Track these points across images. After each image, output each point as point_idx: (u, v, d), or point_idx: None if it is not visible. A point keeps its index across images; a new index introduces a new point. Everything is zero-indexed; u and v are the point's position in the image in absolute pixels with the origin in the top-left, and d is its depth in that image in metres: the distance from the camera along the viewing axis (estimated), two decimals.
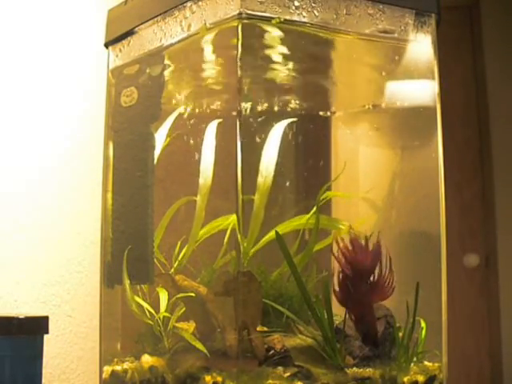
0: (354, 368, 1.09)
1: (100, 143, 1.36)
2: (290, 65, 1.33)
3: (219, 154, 1.27)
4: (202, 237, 1.28)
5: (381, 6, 1.17)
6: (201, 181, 1.26)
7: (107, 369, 1.23)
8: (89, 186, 1.57)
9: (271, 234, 1.20)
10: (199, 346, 1.09)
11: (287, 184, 1.45)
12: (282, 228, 1.24)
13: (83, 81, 1.61)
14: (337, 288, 1.11)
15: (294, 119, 1.37)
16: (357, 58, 1.32)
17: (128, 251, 1.21)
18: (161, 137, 1.29)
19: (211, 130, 1.30)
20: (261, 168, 1.26)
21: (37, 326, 1.21)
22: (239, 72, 1.06)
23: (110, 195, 1.30)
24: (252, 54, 1.15)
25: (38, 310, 1.49)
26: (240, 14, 1.05)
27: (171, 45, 1.22)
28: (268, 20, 1.09)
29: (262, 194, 1.23)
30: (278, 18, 1.08)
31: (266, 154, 1.27)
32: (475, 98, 2.95)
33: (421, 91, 1.28)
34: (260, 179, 1.25)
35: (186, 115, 1.37)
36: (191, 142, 1.35)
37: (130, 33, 1.30)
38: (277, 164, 1.27)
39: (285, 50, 1.27)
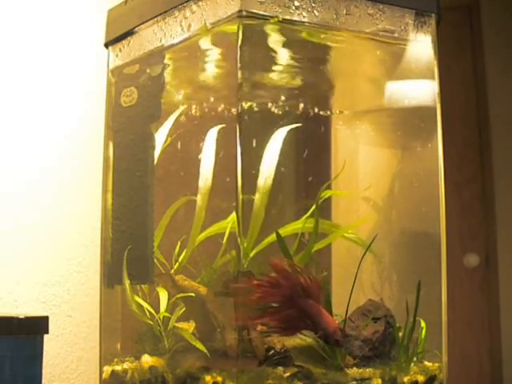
0: (354, 368, 1.09)
1: (100, 143, 1.36)
2: (290, 64, 1.33)
3: (219, 154, 1.27)
4: (203, 238, 1.28)
5: (381, 6, 1.17)
6: (201, 181, 1.26)
7: (107, 369, 1.23)
8: (89, 185, 1.57)
9: (272, 236, 1.20)
10: (199, 345, 1.09)
11: (287, 185, 1.45)
12: (283, 231, 1.24)
13: (83, 81, 1.61)
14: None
15: (297, 125, 1.36)
16: (357, 58, 1.32)
17: (128, 251, 1.21)
18: (161, 137, 1.29)
19: (211, 130, 1.30)
20: (261, 169, 1.25)
21: (37, 326, 1.21)
22: (239, 72, 1.06)
23: (109, 195, 1.30)
24: (252, 54, 1.15)
25: (38, 310, 1.49)
26: (240, 13, 1.05)
27: (171, 45, 1.21)
28: (268, 20, 1.09)
29: (263, 195, 1.23)
30: (277, 17, 1.08)
31: (266, 155, 1.27)
32: (475, 97, 2.95)
33: (421, 91, 1.28)
34: (260, 180, 1.24)
35: (186, 115, 1.37)
36: (191, 142, 1.35)
37: (129, 33, 1.30)
38: (277, 165, 1.27)
39: (285, 49, 1.26)
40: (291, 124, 1.35)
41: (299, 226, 1.28)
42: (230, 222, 1.12)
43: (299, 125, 1.37)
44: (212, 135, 1.29)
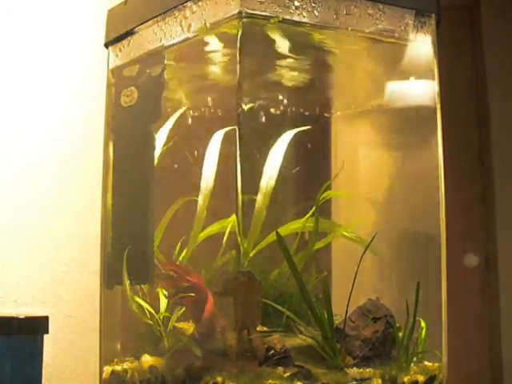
0: (354, 368, 1.09)
1: (100, 143, 1.36)
2: (290, 65, 1.33)
3: (221, 155, 1.27)
4: (203, 238, 1.28)
5: (381, 6, 1.17)
6: (203, 182, 1.26)
7: (107, 369, 1.23)
8: (89, 185, 1.57)
9: (272, 236, 1.20)
10: (194, 348, 1.09)
11: (289, 185, 1.45)
12: (283, 230, 1.24)
13: (83, 81, 1.61)
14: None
15: (307, 127, 1.36)
16: (357, 58, 1.32)
17: (128, 251, 1.21)
18: (161, 137, 1.29)
19: (212, 131, 1.30)
20: (265, 170, 1.25)
21: (37, 326, 1.21)
22: (239, 72, 1.06)
23: (109, 195, 1.30)
24: (252, 54, 1.15)
25: (37, 310, 1.49)
26: (240, 13, 1.05)
27: (171, 45, 1.22)
28: (268, 20, 1.09)
29: (265, 195, 1.23)
30: (277, 17, 1.08)
31: (271, 157, 1.27)
32: (475, 97, 2.95)
33: (421, 91, 1.28)
34: (263, 181, 1.24)
35: (186, 116, 1.37)
36: (191, 142, 1.35)
37: (130, 33, 1.30)
38: (280, 166, 1.27)
39: (285, 49, 1.27)
40: (291, 124, 1.35)
41: (299, 225, 1.28)
42: (231, 221, 1.12)
43: (309, 127, 1.36)
44: (216, 137, 1.29)
